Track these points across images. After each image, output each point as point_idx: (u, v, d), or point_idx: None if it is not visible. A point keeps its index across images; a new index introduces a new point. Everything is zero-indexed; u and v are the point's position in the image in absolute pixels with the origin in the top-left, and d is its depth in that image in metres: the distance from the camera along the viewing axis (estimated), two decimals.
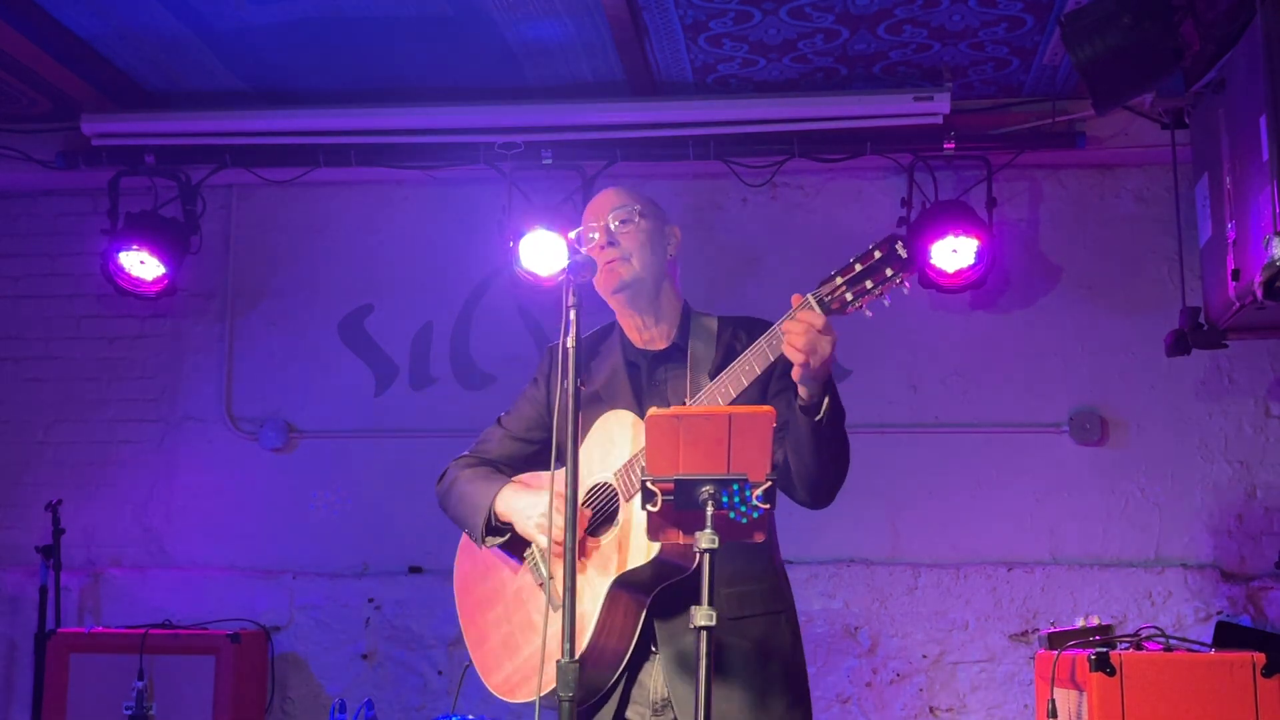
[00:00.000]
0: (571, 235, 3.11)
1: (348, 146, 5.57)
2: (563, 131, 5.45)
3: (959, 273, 5.23)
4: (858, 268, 2.75)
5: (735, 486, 2.50)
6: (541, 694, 2.92)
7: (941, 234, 5.21)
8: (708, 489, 2.50)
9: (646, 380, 3.11)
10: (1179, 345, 4.75)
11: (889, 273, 2.74)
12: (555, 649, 2.89)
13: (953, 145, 5.29)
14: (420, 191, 5.93)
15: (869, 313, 2.81)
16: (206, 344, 5.99)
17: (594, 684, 2.95)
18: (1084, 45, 4.17)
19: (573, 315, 2.75)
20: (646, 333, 3.16)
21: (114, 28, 4.95)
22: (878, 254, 2.75)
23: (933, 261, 5.24)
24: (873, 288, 2.75)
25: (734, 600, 2.95)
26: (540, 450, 3.24)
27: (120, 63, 5.26)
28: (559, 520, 2.86)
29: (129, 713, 5.13)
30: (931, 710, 5.38)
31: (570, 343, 2.71)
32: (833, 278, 2.77)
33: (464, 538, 3.26)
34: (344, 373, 5.89)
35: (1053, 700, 4.41)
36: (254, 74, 5.35)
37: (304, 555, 5.76)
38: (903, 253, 2.74)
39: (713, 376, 2.97)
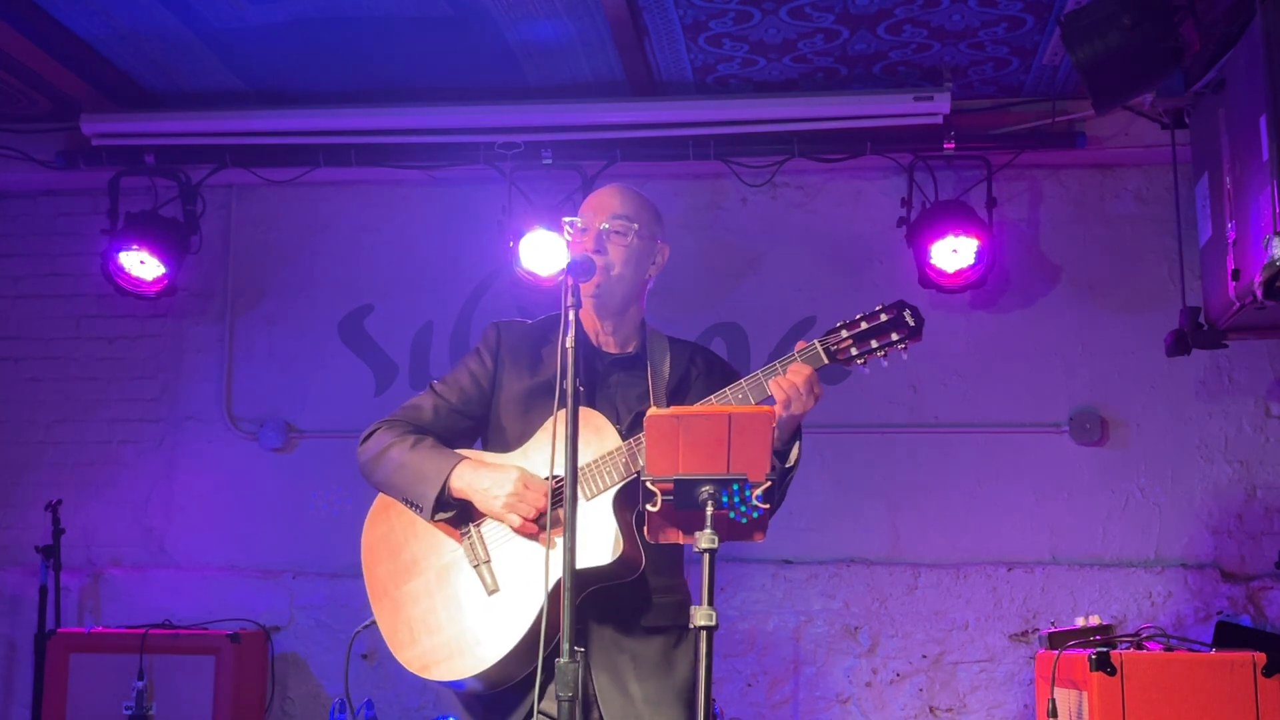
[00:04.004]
0: (567, 220, 3.14)
1: (348, 146, 5.57)
2: (563, 131, 5.45)
3: (959, 273, 5.23)
4: (863, 325, 2.96)
5: (735, 486, 2.50)
6: (465, 676, 2.95)
7: (941, 234, 5.21)
8: (707, 489, 2.50)
9: (600, 381, 3.13)
10: (1179, 345, 4.75)
11: (894, 337, 2.95)
12: (488, 633, 2.94)
13: (953, 145, 5.29)
14: (420, 191, 5.92)
15: (867, 370, 3.01)
16: (206, 344, 5.99)
17: (507, 675, 2.95)
18: (1084, 45, 4.17)
19: (572, 315, 2.75)
20: (604, 336, 3.19)
21: (114, 28, 4.95)
22: (884, 316, 2.96)
23: (933, 261, 5.24)
24: (877, 348, 2.95)
25: (653, 611, 3.03)
26: (474, 428, 3.22)
27: (120, 63, 5.26)
28: (539, 494, 2.93)
29: (129, 713, 5.13)
30: (931, 710, 5.38)
31: (570, 342, 2.72)
32: (838, 330, 2.97)
33: (377, 504, 3.19)
34: (344, 373, 5.88)
35: (1053, 700, 4.41)
36: (254, 74, 5.35)
37: (304, 555, 5.76)
38: (911, 320, 2.96)
39: (670, 393, 3.11)
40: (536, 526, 2.96)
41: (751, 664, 5.47)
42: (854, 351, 2.94)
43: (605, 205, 3.15)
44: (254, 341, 5.97)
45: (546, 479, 2.98)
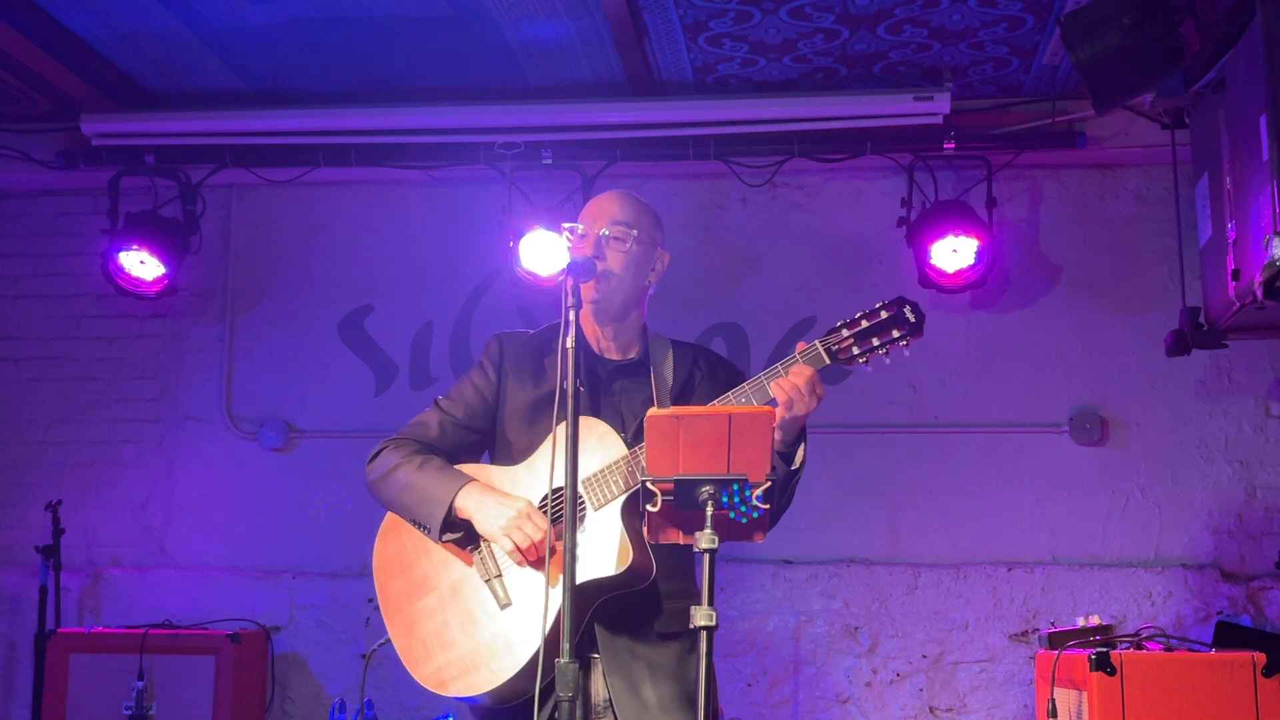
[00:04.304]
0: (566, 225, 3.14)
1: (348, 146, 5.57)
2: (563, 131, 5.45)
3: (959, 273, 5.23)
4: (863, 323, 2.95)
5: (735, 487, 2.50)
6: (480, 692, 2.95)
7: (941, 234, 5.21)
8: (708, 489, 2.50)
9: (603, 388, 3.13)
10: (1179, 345, 4.75)
11: (895, 334, 2.94)
12: (503, 647, 2.94)
13: (953, 145, 5.29)
14: (420, 191, 5.92)
15: (869, 368, 2.99)
16: (206, 344, 5.99)
17: (520, 690, 2.94)
18: (1084, 45, 4.17)
19: (572, 315, 2.75)
20: (605, 342, 3.20)
21: (114, 28, 4.95)
22: (884, 313, 2.95)
23: (933, 261, 5.24)
24: (878, 345, 2.94)
25: (665, 617, 3.03)
26: (480, 442, 3.22)
27: (120, 63, 5.26)
28: (538, 527, 2.92)
29: (129, 713, 5.13)
30: (931, 710, 5.38)
31: (570, 343, 2.71)
32: (838, 329, 2.96)
33: (387, 522, 3.18)
34: (344, 373, 5.88)
35: (1053, 700, 4.41)
36: (254, 74, 5.35)
37: (304, 555, 5.76)
38: (912, 317, 2.94)
39: (674, 398, 3.10)
40: (534, 556, 2.95)
41: (751, 664, 5.47)
42: (855, 350, 2.94)
43: (605, 211, 3.15)
44: (254, 341, 5.97)
45: (544, 501, 2.98)
